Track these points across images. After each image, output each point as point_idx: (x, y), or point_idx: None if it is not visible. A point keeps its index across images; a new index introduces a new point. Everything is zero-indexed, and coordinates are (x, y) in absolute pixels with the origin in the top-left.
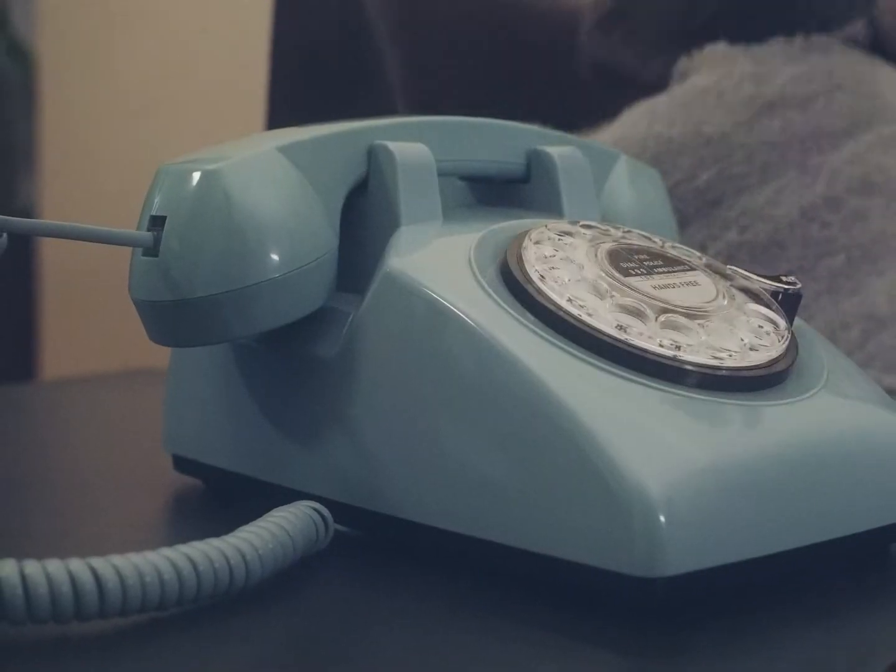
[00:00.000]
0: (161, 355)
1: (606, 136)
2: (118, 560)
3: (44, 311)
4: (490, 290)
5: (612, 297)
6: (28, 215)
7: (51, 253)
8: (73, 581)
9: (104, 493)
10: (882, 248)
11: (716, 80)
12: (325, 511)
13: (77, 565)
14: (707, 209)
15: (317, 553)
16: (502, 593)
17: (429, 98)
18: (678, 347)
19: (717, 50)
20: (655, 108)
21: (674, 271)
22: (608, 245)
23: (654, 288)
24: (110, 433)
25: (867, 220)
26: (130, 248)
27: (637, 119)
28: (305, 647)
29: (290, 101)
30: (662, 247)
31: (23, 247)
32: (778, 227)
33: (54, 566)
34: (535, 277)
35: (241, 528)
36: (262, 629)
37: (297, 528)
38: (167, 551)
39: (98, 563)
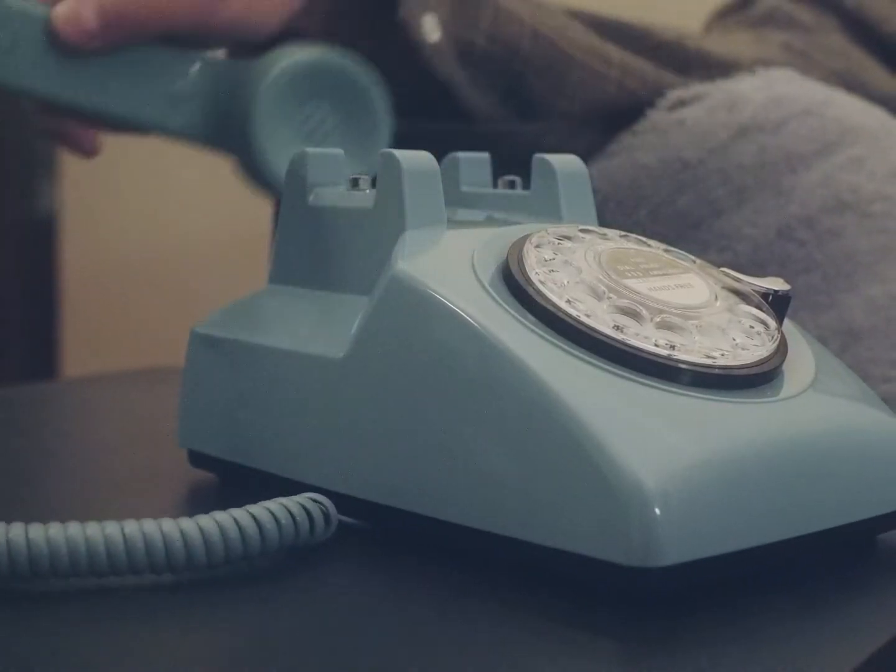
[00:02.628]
0: (178, 355)
1: (593, 170)
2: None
3: (65, 311)
4: (492, 292)
5: (609, 298)
6: (50, 220)
7: (72, 252)
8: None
9: (123, 486)
10: (856, 264)
11: (692, 112)
12: (328, 502)
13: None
14: (687, 232)
15: (323, 542)
16: (504, 583)
17: None
18: (673, 347)
19: (697, 89)
20: (633, 140)
21: (668, 274)
22: (605, 248)
23: (650, 290)
24: (129, 429)
25: (841, 238)
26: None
27: (616, 150)
28: (312, 630)
29: None
30: (657, 250)
31: (45, 246)
32: (756, 247)
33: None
34: (535, 280)
35: (246, 506)
36: (271, 614)
37: (296, 511)
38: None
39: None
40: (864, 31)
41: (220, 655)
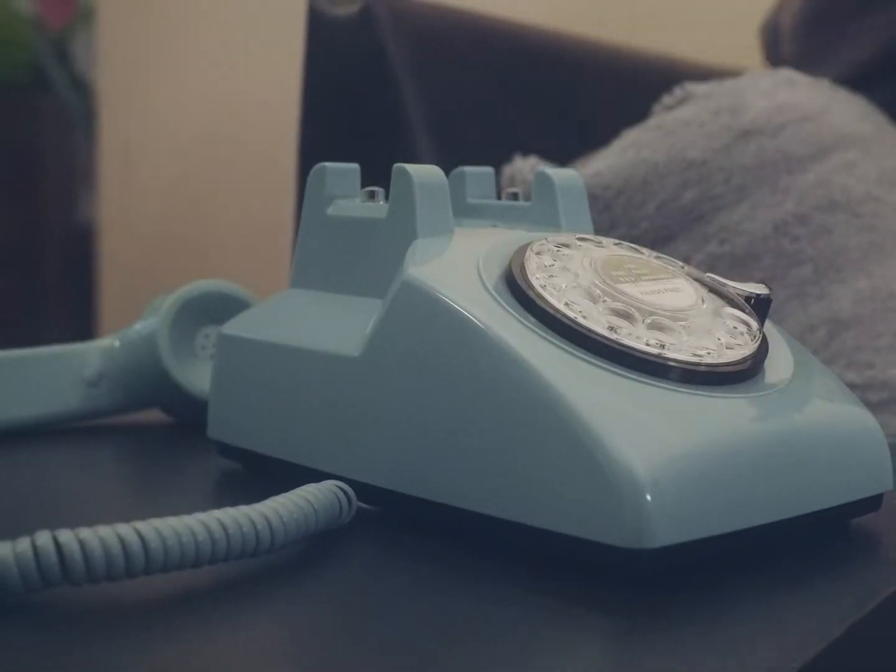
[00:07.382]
0: None
1: (600, 163)
2: (158, 523)
3: (101, 308)
4: (496, 296)
5: (604, 301)
6: (89, 229)
7: (109, 249)
8: (122, 542)
9: (156, 474)
10: (844, 258)
11: (696, 112)
12: (348, 489)
13: (124, 528)
14: (690, 225)
15: (342, 526)
16: (506, 563)
17: (448, 138)
18: (663, 346)
19: (698, 88)
20: (641, 137)
21: (658, 278)
22: (601, 255)
23: (642, 293)
24: (161, 421)
25: (832, 235)
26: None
27: (626, 147)
28: (336, 608)
29: (320, 145)
30: (648, 257)
31: (84, 244)
32: (753, 241)
33: (104, 531)
34: (536, 284)
35: (270, 498)
36: (293, 593)
37: (319, 500)
38: (201, 515)
39: (141, 525)
40: None
41: (253, 628)
